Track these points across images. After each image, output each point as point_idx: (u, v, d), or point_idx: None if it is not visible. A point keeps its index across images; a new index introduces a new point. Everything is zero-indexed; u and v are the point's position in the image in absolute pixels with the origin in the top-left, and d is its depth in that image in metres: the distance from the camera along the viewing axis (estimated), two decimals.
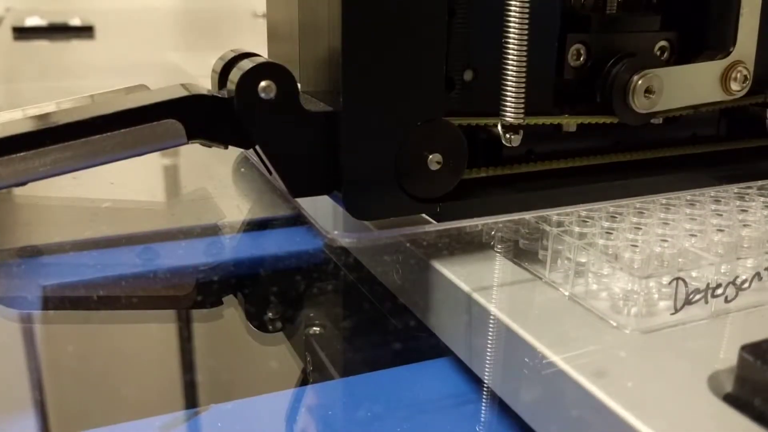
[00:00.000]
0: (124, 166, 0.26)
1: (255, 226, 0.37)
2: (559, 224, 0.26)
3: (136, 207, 0.38)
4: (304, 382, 0.24)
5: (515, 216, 0.27)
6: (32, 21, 1.02)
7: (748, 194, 0.30)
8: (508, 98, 0.26)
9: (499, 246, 0.27)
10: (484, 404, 0.23)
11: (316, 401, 0.23)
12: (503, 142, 0.26)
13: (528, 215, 0.27)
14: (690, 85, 0.30)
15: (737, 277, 0.23)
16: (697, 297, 0.22)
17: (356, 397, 0.23)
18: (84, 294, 0.29)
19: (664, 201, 0.29)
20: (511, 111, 0.26)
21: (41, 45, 0.97)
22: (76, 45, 0.99)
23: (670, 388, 0.19)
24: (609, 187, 0.29)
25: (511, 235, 0.27)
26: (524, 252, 0.26)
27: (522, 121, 0.26)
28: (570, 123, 0.29)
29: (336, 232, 0.32)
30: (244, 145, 0.26)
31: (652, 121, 0.30)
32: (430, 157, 0.25)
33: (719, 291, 0.23)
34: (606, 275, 0.24)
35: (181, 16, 1.49)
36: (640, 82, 0.28)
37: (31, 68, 0.81)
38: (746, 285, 0.23)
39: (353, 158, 0.25)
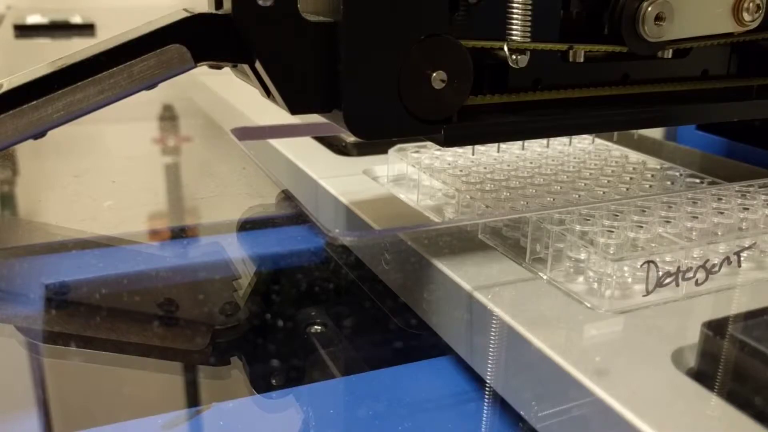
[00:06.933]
0: (125, 165, 0.26)
1: (256, 224, 0.37)
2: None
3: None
4: (304, 380, 0.24)
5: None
6: (33, 19, 1.02)
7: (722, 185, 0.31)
8: (515, 18, 0.25)
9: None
10: (484, 402, 0.23)
11: (317, 400, 0.23)
12: (510, 63, 0.26)
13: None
14: (701, 13, 0.29)
15: (707, 260, 0.24)
16: (668, 280, 0.23)
17: (357, 396, 0.23)
18: (86, 292, 0.29)
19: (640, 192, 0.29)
20: (518, 31, 0.25)
21: (42, 43, 0.97)
22: (78, 43, 0.99)
23: (635, 361, 0.20)
24: (614, 117, 0.29)
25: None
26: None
27: (528, 41, 0.25)
28: (578, 51, 0.28)
29: (337, 231, 0.32)
30: (248, 60, 0.25)
31: (660, 54, 0.30)
32: (434, 74, 0.25)
33: (689, 274, 0.23)
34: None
35: None
36: (650, 8, 0.27)
37: (32, 66, 0.81)
38: (716, 269, 0.24)
39: (354, 71, 0.24)
